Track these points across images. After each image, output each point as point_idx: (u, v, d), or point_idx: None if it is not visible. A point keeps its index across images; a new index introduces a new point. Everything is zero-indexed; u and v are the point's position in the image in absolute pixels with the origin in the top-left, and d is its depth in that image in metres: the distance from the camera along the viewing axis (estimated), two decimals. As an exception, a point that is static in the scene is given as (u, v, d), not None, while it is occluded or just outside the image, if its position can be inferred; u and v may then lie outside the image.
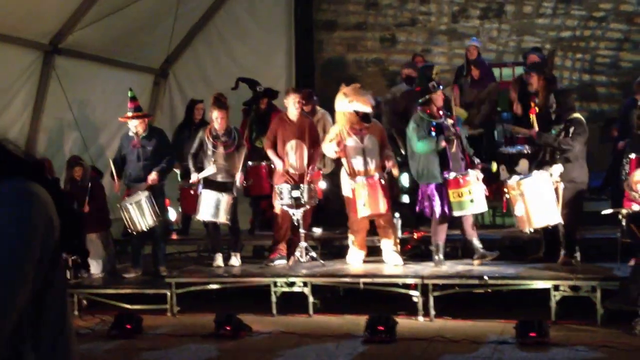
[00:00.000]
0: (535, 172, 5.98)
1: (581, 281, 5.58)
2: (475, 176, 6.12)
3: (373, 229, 6.74)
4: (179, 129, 8.27)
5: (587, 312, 5.59)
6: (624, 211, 5.65)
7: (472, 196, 6.05)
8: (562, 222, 5.89)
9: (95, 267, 7.17)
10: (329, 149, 6.57)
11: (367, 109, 6.43)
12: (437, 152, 6.21)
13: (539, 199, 5.82)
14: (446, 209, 6.17)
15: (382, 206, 6.32)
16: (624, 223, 5.60)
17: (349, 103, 6.40)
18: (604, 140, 7.95)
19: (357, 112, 6.41)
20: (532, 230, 6.01)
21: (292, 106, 6.79)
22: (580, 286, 5.58)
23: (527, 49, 8.29)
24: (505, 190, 6.03)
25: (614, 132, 7.38)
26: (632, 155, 6.44)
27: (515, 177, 6.05)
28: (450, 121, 6.30)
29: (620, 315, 5.38)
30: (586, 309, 5.61)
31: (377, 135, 6.58)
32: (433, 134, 6.20)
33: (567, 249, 6.12)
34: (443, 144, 6.15)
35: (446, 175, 6.16)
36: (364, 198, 6.30)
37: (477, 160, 6.35)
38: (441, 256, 6.33)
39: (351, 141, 6.52)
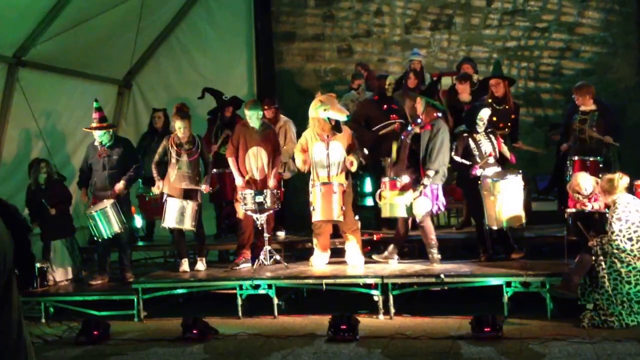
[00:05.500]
0: (510, 175, 6.22)
1: (531, 277, 5.78)
2: (404, 182, 6.23)
3: (337, 231, 6.89)
4: (142, 137, 8.41)
5: (537, 307, 5.81)
6: (570, 210, 5.91)
7: (396, 200, 6.21)
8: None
9: (62, 275, 7.15)
10: (297, 159, 6.74)
11: (343, 117, 6.56)
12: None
13: (511, 200, 6.11)
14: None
15: (335, 213, 6.44)
16: (570, 221, 5.84)
17: (324, 111, 6.53)
18: (548, 143, 8.35)
19: (329, 120, 6.56)
20: (505, 228, 6.25)
21: (248, 117, 6.92)
22: (531, 282, 5.78)
23: (476, 58, 8.65)
24: (482, 190, 6.23)
25: (556, 137, 7.72)
26: (575, 158, 6.79)
27: (488, 178, 6.21)
28: (409, 128, 6.47)
29: (569, 310, 5.59)
30: (537, 304, 5.84)
31: (345, 140, 6.66)
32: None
33: (512, 245, 6.47)
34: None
35: (384, 179, 6.44)
36: (318, 203, 6.47)
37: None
38: (434, 254, 6.39)
39: (317, 146, 6.64)
